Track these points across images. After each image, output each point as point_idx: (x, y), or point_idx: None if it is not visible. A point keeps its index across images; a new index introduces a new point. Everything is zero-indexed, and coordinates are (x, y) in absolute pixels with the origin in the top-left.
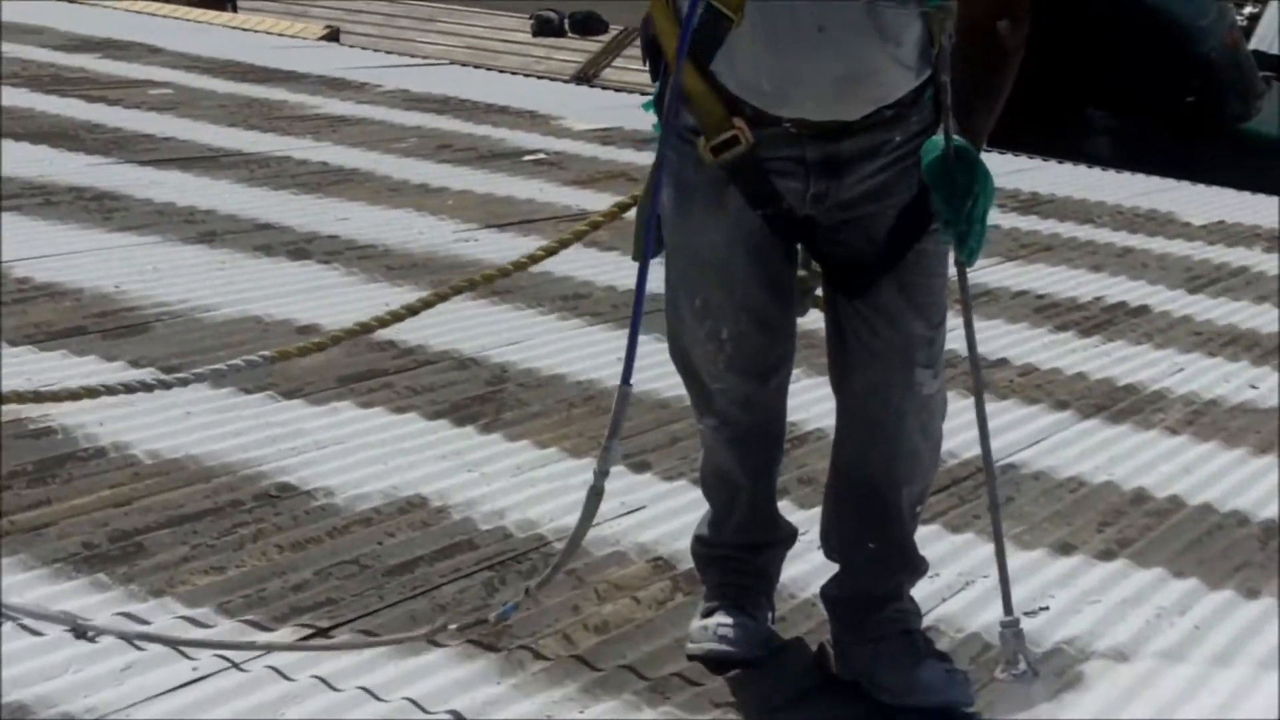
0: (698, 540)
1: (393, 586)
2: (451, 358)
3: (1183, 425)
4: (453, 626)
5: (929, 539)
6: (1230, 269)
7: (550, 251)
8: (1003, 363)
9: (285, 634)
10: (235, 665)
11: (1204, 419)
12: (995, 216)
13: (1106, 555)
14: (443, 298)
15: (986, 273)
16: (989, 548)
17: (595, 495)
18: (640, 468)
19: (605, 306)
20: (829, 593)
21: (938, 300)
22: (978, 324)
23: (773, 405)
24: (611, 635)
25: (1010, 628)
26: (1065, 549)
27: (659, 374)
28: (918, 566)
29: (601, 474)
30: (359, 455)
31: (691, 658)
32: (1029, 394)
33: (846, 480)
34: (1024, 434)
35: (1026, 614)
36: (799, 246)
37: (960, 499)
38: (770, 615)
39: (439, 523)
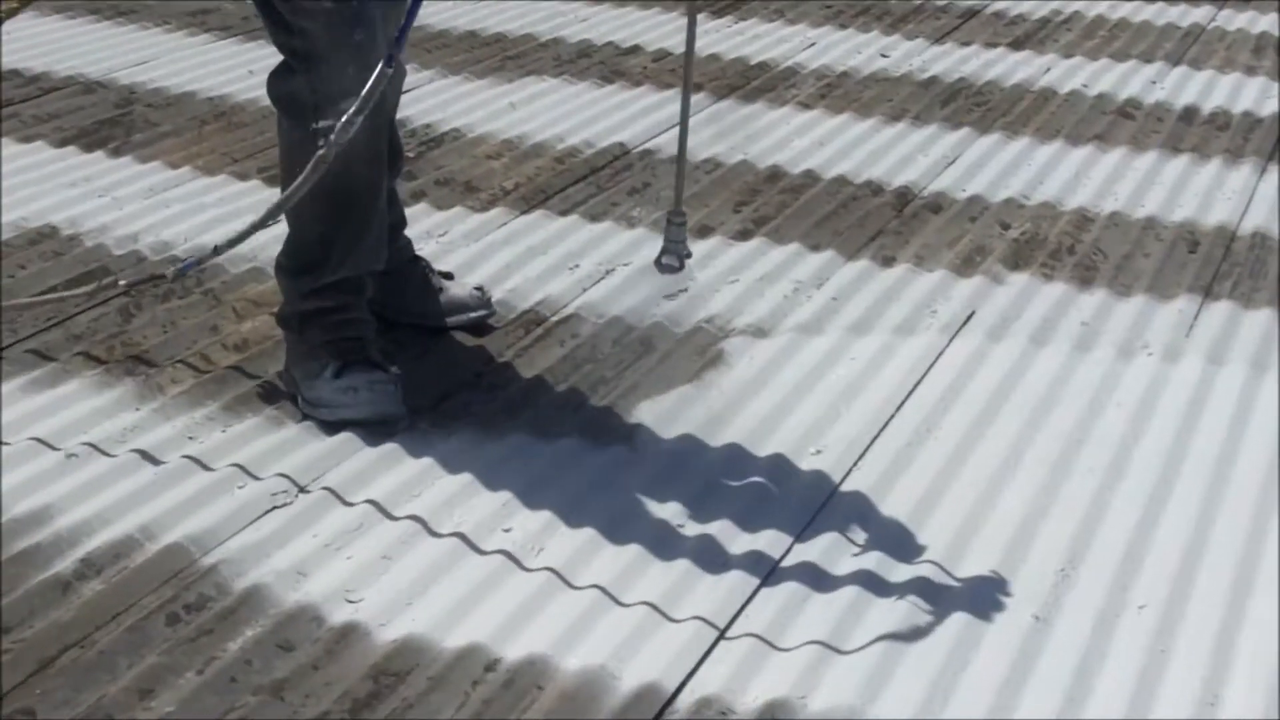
0: (301, 296)
1: (25, 319)
2: (78, 82)
3: (816, 99)
4: (123, 282)
5: (569, 229)
6: None
7: None
8: (635, 50)
9: None
10: None
11: (837, 92)
12: None
13: (743, 235)
14: None
15: None
16: (628, 234)
17: (322, 162)
18: (276, 180)
19: (235, 19)
20: None
21: None
22: (609, 12)
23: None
24: (251, 353)
25: (677, 218)
26: (703, 231)
27: None
28: (401, 155)
29: (330, 143)
30: None
31: (338, 422)
32: (663, 79)
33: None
34: (659, 119)
35: (667, 297)
36: None
37: (598, 187)
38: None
39: (71, 251)
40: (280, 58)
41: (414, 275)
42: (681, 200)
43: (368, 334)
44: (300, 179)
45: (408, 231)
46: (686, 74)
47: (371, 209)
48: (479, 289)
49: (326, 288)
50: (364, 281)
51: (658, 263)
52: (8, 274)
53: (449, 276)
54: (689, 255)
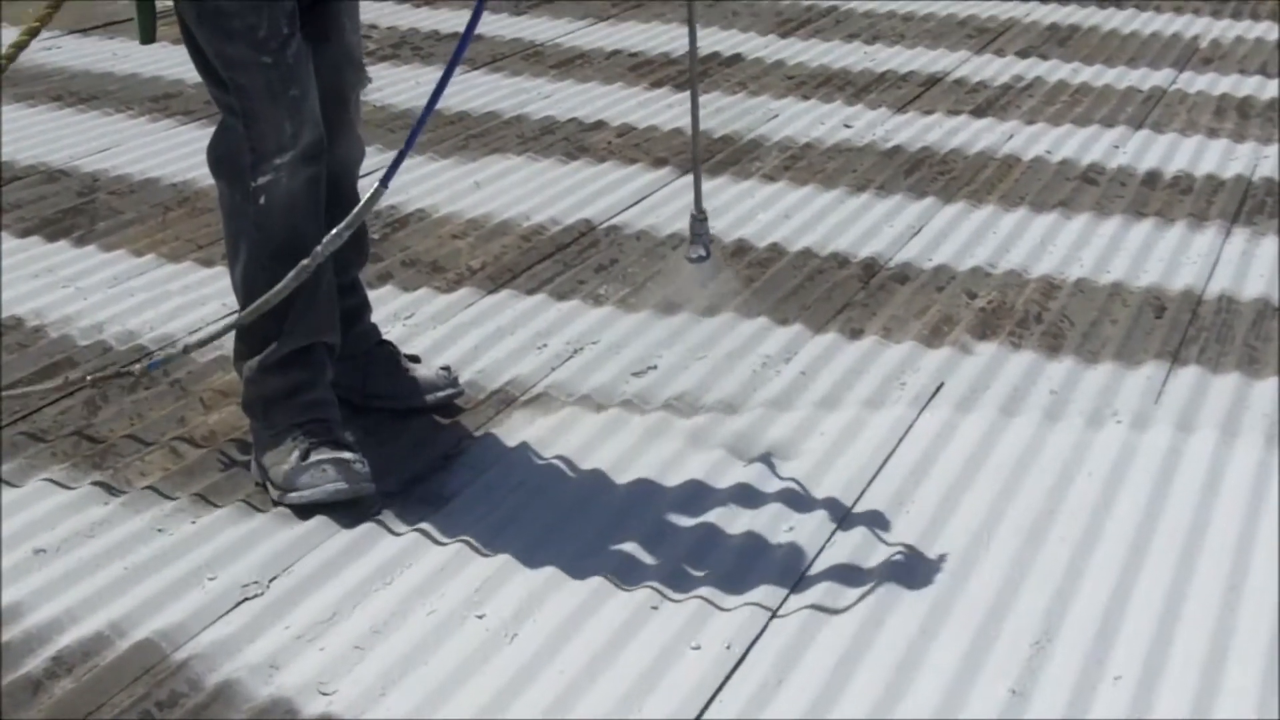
0: (259, 373)
1: None
2: (40, 171)
3: (780, 171)
4: (90, 376)
5: (537, 307)
6: (820, 10)
7: (33, 33)
8: (599, 125)
9: None
10: None
11: (801, 163)
12: None
13: (710, 311)
14: None
15: (579, 35)
16: (596, 313)
17: (303, 271)
18: None
19: (197, 104)
20: None
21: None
22: (572, 88)
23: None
24: (220, 443)
25: (700, 216)
26: (670, 308)
27: None
28: (367, 249)
29: (314, 254)
30: None
31: (309, 506)
32: (627, 154)
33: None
34: (624, 194)
35: (635, 374)
36: None
37: (565, 265)
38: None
39: (36, 343)
40: (214, 128)
41: (380, 358)
42: (701, 201)
43: (332, 415)
44: (283, 284)
45: (374, 316)
46: (692, 67)
47: (313, 274)
48: (445, 369)
49: (286, 361)
50: (322, 356)
51: (687, 256)
52: None
53: (415, 360)
54: (711, 241)
